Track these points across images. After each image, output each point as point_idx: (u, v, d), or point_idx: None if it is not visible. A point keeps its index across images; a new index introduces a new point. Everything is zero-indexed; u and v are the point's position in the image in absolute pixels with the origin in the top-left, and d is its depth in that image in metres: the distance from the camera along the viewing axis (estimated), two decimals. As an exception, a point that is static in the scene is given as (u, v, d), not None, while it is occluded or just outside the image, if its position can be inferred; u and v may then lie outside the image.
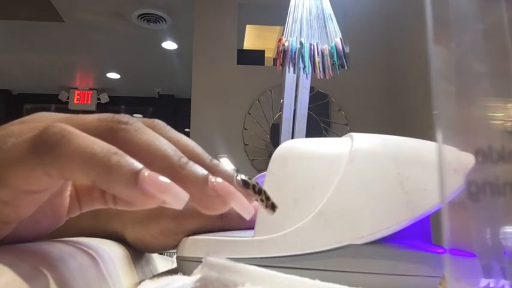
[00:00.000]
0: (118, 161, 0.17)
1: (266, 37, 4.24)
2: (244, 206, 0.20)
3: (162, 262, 0.44)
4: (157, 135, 0.20)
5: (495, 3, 0.16)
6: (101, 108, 5.10)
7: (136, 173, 0.17)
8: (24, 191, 0.19)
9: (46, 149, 0.18)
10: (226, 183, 0.19)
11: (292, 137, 1.45)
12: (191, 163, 0.19)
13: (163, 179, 0.18)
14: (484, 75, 0.16)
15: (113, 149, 0.18)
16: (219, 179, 0.19)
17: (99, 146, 0.18)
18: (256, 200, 0.21)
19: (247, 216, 0.20)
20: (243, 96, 3.19)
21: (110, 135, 0.19)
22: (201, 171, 0.19)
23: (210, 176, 0.19)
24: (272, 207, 0.21)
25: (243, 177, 0.21)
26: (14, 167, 0.18)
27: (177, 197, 0.18)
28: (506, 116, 0.16)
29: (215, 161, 0.21)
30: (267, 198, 0.21)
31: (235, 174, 0.21)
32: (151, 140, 0.19)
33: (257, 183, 0.21)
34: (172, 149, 0.19)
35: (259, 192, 0.21)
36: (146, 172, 0.17)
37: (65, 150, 0.17)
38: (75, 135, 0.18)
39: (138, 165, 0.17)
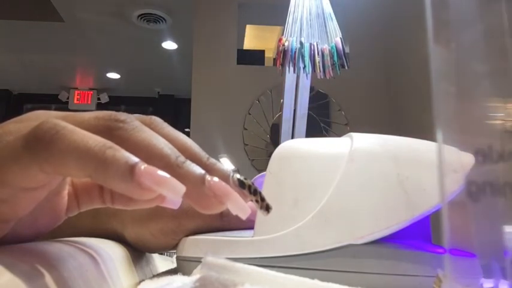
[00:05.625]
0: (113, 155, 0.17)
1: (266, 37, 4.24)
2: (240, 206, 0.20)
3: (162, 262, 0.44)
4: (154, 133, 0.20)
5: (495, 3, 0.16)
6: (101, 108, 5.10)
7: (133, 166, 0.17)
8: (21, 188, 0.19)
9: (40, 145, 0.18)
10: (223, 183, 0.19)
11: (292, 137, 1.45)
12: (188, 162, 0.19)
13: (161, 172, 0.18)
14: (484, 75, 0.16)
15: (108, 143, 0.18)
16: (216, 179, 0.19)
17: (94, 140, 0.18)
18: (252, 201, 0.21)
19: (243, 216, 0.20)
20: (243, 96, 3.18)
21: (107, 133, 0.19)
22: (198, 170, 0.19)
23: (207, 175, 0.19)
24: (267, 208, 0.21)
25: (239, 177, 0.21)
26: (10, 165, 0.18)
27: (174, 190, 0.18)
28: (506, 116, 0.16)
29: (212, 160, 0.21)
30: (262, 199, 0.21)
31: (231, 174, 0.21)
32: (148, 139, 0.19)
33: (253, 184, 0.21)
34: (170, 147, 0.19)
35: (254, 192, 0.21)
36: (143, 166, 0.17)
37: (59, 146, 0.17)
38: (69, 131, 0.18)
39: (134, 158, 0.17)
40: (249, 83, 3.21)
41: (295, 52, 1.31)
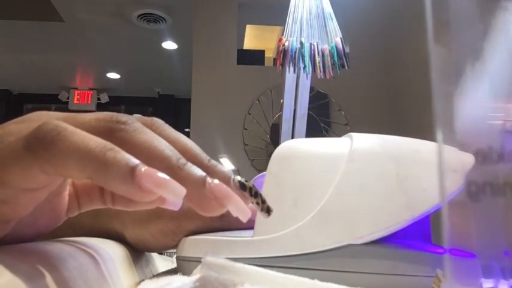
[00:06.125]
0: (114, 156, 0.17)
1: (266, 37, 4.24)
2: (241, 208, 0.20)
3: (162, 262, 0.44)
4: (156, 135, 0.20)
5: (495, 3, 0.16)
6: (101, 108, 5.10)
7: (133, 168, 0.17)
8: (22, 189, 0.19)
9: (41, 146, 0.18)
10: (224, 185, 0.19)
11: (292, 137, 1.45)
12: (189, 164, 0.19)
13: (161, 174, 0.18)
14: (484, 75, 0.16)
15: (109, 144, 0.18)
16: (216, 181, 0.19)
17: (95, 142, 0.18)
18: (252, 203, 0.21)
19: (244, 219, 0.20)
20: (243, 96, 3.18)
21: (108, 135, 0.19)
22: (199, 172, 0.19)
23: (208, 178, 0.19)
24: (267, 210, 0.21)
25: (240, 179, 0.21)
26: (10, 166, 0.18)
27: (174, 192, 0.18)
28: (506, 116, 0.16)
29: (213, 162, 0.21)
30: (263, 201, 0.21)
31: (232, 176, 0.21)
32: (149, 141, 0.19)
33: (254, 186, 0.21)
34: (171, 149, 0.19)
35: (255, 195, 0.21)
36: (143, 168, 0.17)
37: (60, 147, 0.17)
38: (70, 132, 0.18)
39: (135, 160, 0.17)
40: (249, 83, 3.21)
41: (295, 52, 1.31)
